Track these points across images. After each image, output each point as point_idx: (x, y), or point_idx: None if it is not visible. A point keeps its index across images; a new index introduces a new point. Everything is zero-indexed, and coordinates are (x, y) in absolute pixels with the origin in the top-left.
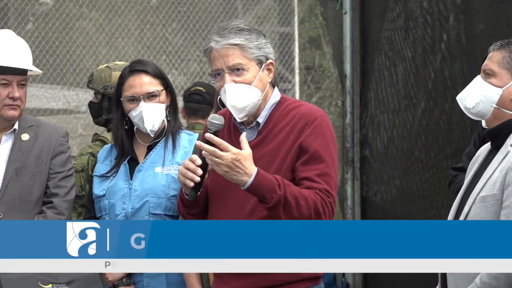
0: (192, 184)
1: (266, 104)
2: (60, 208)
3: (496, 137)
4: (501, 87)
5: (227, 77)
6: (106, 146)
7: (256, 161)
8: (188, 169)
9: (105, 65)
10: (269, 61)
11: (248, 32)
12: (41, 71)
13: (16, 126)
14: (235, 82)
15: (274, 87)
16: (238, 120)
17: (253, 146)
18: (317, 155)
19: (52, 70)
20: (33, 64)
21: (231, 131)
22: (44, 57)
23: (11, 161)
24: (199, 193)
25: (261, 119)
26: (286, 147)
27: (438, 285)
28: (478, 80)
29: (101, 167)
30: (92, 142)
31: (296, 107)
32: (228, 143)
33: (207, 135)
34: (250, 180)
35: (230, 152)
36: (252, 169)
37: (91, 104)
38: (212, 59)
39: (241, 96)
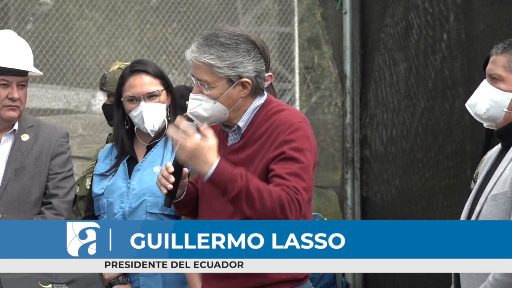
0: (165, 191)
1: (247, 110)
2: (59, 209)
3: (506, 136)
4: (511, 92)
5: (196, 87)
6: (107, 145)
7: (236, 166)
8: (163, 176)
9: (117, 66)
10: (243, 79)
11: (225, 48)
12: (41, 73)
13: (16, 126)
14: (202, 93)
15: (257, 95)
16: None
17: (235, 150)
18: (291, 157)
19: (52, 70)
20: (33, 65)
21: (220, 132)
22: (44, 57)
23: (10, 161)
24: (179, 199)
25: (241, 123)
26: (262, 153)
27: (452, 285)
28: (485, 85)
29: (101, 166)
30: (106, 142)
31: (277, 112)
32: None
33: (178, 118)
34: (211, 170)
35: (193, 140)
36: (213, 160)
37: (104, 107)
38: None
39: (201, 108)
